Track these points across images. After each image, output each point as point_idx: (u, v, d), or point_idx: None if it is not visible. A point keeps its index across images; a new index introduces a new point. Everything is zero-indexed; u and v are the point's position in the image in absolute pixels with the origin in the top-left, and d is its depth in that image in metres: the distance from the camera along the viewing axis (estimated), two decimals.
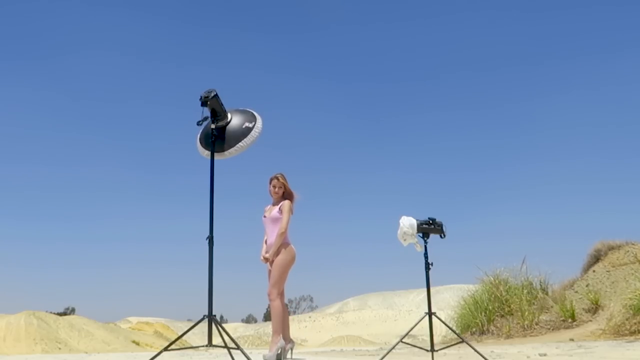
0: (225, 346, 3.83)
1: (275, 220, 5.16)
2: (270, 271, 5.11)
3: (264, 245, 5.27)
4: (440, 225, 4.93)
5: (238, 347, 3.89)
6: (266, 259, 5.12)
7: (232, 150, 4.16)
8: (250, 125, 4.19)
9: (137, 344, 24.92)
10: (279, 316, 5.04)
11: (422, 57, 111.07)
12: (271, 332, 5.13)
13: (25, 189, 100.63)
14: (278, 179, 5.24)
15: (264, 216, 5.29)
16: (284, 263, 5.07)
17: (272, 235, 5.18)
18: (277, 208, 5.20)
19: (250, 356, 4.30)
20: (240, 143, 4.15)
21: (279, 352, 4.93)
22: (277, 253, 5.08)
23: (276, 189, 5.22)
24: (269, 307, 5.30)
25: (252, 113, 4.36)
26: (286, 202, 5.19)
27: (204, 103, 4.01)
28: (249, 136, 4.17)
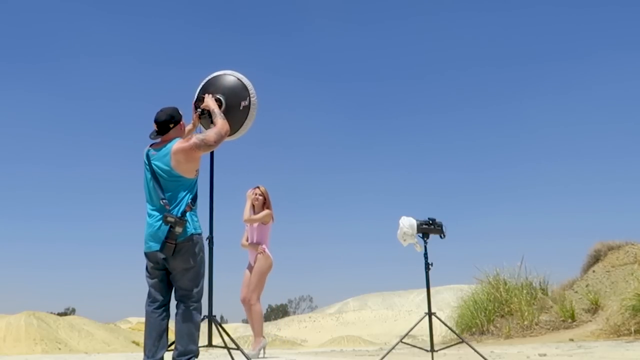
0: (225, 346, 3.86)
1: (253, 230, 5.75)
2: (248, 277, 5.60)
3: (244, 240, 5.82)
4: (440, 226, 4.94)
5: (238, 348, 3.91)
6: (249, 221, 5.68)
7: (237, 133, 4.09)
8: (247, 104, 4.10)
9: (137, 344, 24.88)
10: (261, 319, 5.53)
11: (422, 57, 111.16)
12: (254, 334, 5.60)
13: (25, 189, 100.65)
14: (259, 187, 5.81)
15: (247, 225, 5.82)
16: (263, 270, 5.54)
17: (252, 238, 5.76)
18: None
19: (249, 356, 4.35)
20: (243, 125, 4.09)
21: (261, 349, 5.45)
22: (256, 262, 5.59)
23: (257, 196, 5.76)
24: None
25: (242, 85, 4.14)
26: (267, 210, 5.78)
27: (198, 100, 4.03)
28: (249, 116, 4.09)
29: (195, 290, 3.45)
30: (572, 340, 8.66)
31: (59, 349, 18.92)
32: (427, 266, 4.84)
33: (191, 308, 3.41)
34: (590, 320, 9.79)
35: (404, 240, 4.87)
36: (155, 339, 3.36)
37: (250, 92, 4.13)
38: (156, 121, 3.59)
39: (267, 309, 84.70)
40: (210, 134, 3.54)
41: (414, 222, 4.85)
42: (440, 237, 4.98)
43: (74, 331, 21.94)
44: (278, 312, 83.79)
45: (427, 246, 4.86)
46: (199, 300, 3.49)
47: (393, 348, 5.46)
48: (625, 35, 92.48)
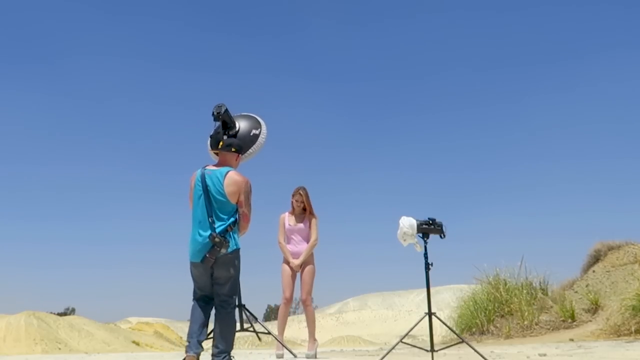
0: (254, 330, 4.65)
1: (302, 230, 5.63)
2: (301, 278, 5.62)
3: (287, 250, 5.63)
4: (440, 226, 4.93)
5: (269, 332, 4.91)
6: (298, 267, 5.60)
7: (246, 155, 4.53)
8: (257, 132, 4.69)
9: (137, 344, 24.90)
10: (315, 320, 5.77)
11: (421, 56, 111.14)
12: (308, 335, 5.75)
13: (25, 189, 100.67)
14: (301, 195, 5.64)
15: (289, 224, 5.67)
16: (314, 271, 5.65)
17: (301, 244, 5.61)
18: (304, 220, 5.64)
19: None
20: (250, 150, 4.60)
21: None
22: (308, 262, 5.59)
23: (299, 202, 5.64)
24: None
25: (257, 119, 4.79)
26: (315, 220, 5.65)
27: (216, 118, 4.32)
28: (257, 143, 4.66)
29: (233, 297, 3.97)
30: (572, 340, 8.66)
31: (59, 349, 18.91)
32: (427, 266, 4.83)
33: (231, 314, 3.90)
34: (590, 320, 9.78)
35: (404, 240, 4.86)
36: (200, 326, 3.83)
37: (263, 127, 4.73)
38: (227, 136, 4.14)
39: (266, 309, 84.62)
40: (248, 217, 3.96)
41: (414, 222, 4.84)
42: (440, 237, 4.97)
43: (74, 331, 21.96)
44: (278, 312, 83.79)
45: (427, 246, 4.85)
46: (236, 306, 3.98)
47: (393, 348, 5.46)
48: (626, 35, 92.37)
